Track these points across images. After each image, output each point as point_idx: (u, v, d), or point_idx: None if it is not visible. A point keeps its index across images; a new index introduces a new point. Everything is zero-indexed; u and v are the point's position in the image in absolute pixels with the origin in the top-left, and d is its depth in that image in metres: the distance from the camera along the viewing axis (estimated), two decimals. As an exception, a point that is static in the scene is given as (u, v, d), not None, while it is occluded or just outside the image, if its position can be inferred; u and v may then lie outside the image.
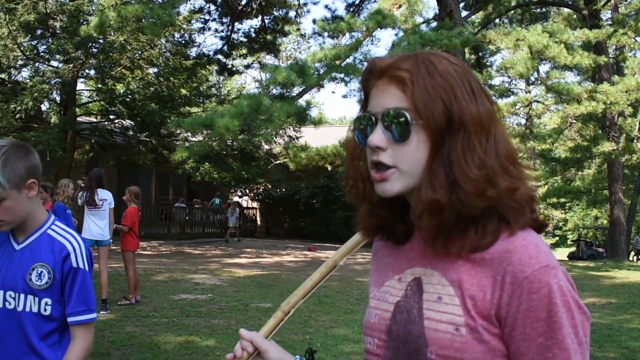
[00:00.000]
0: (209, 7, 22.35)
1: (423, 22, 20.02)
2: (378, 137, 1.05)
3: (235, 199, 28.58)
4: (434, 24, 19.02)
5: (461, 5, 20.14)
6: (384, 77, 1.08)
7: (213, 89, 25.18)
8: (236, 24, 23.11)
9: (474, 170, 1.01)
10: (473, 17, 22.17)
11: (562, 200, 30.14)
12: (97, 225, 8.16)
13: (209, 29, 22.91)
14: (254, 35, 23.34)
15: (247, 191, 27.74)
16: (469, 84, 1.06)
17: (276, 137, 19.32)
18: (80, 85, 21.63)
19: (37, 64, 18.94)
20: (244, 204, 28.23)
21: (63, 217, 8.36)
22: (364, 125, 1.10)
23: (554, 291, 0.98)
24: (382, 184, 1.07)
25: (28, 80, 18.78)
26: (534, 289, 0.98)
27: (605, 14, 23.86)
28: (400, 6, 19.11)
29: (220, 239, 23.05)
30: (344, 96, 36.11)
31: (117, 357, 5.85)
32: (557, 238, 46.36)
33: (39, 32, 18.12)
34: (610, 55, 23.34)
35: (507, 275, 1.00)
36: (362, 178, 1.16)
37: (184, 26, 20.39)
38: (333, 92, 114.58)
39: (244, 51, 23.86)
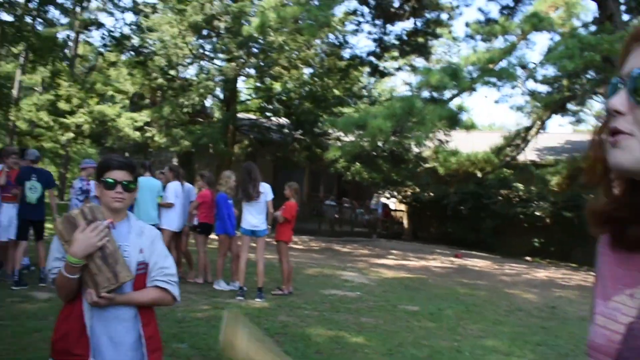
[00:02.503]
0: (363, 9, 22.61)
1: (581, 26, 18.76)
2: (618, 99, 0.89)
3: (383, 200, 28.64)
4: (593, 28, 17.86)
5: (623, 8, 18.69)
6: None
7: (364, 90, 25.44)
8: (388, 26, 23.15)
9: None
10: (635, 21, 20.44)
11: None
12: (254, 217, 8.33)
13: (362, 30, 23.19)
14: (405, 37, 23.27)
15: (396, 193, 27.71)
16: None
17: (427, 140, 19.07)
18: (240, 84, 22.76)
19: (202, 62, 20.18)
20: (392, 206, 28.22)
21: (225, 206, 8.79)
22: (611, 91, 0.93)
23: None
24: (613, 152, 0.89)
25: (194, 78, 20.12)
26: None
27: None
28: (557, 9, 18.06)
29: (368, 239, 23.15)
30: (496, 102, 34.98)
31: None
32: None
33: (205, 32, 19.32)
34: None
35: None
36: (601, 155, 0.96)
37: (339, 28, 20.76)
38: (486, 97, 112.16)
39: (396, 53, 23.88)
